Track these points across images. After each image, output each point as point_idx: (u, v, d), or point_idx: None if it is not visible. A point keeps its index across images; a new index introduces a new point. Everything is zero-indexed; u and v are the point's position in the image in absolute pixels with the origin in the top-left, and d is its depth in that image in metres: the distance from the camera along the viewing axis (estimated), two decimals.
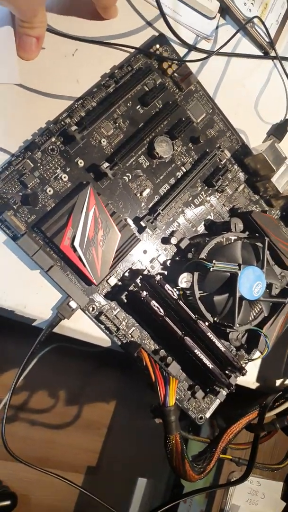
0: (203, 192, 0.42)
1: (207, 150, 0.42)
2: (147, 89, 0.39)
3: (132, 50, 0.39)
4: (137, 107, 0.39)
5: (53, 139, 0.35)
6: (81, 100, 0.36)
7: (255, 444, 0.41)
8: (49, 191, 0.34)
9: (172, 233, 0.40)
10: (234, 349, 0.42)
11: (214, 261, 0.35)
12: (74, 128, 0.34)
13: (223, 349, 0.36)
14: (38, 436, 0.86)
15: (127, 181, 0.38)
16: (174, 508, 0.87)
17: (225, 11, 0.45)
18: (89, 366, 0.91)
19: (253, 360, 0.42)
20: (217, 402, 0.41)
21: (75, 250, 0.34)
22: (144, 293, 0.35)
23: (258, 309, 0.39)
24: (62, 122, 0.35)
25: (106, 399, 0.95)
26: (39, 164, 0.34)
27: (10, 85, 0.34)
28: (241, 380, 0.44)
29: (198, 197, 0.41)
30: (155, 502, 0.95)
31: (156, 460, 0.97)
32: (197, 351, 0.35)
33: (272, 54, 0.47)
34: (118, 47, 0.38)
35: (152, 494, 0.96)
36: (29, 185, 0.34)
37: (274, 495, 0.77)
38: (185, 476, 0.34)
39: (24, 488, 0.84)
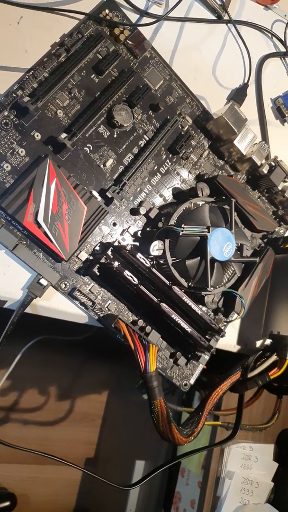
0: (168, 160, 0.41)
1: (168, 117, 0.41)
2: (101, 57, 0.38)
3: (81, 17, 0.37)
4: (92, 76, 0.38)
5: (5, 113, 0.33)
6: (32, 71, 0.35)
7: (240, 403, 0.42)
8: (7, 167, 0.33)
9: (140, 204, 0.39)
10: (212, 313, 0.42)
11: (183, 226, 0.35)
12: (26, 99, 0.33)
13: (199, 312, 0.37)
14: (32, 435, 0.85)
15: (88, 152, 0.37)
16: (173, 482, 0.89)
17: None
18: (77, 358, 0.90)
19: (231, 321, 0.42)
20: (200, 367, 0.41)
21: (39, 226, 0.33)
22: (116, 263, 0.34)
23: (231, 271, 0.40)
24: (14, 94, 0.34)
25: (97, 390, 0.94)
26: None
27: None
28: (223, 344, 0.44)
29: (164, 166, 0.41)
30: (155, 481, 0.96)
31: (152, 440, 0.98)
32: (175, 316, 0.35)
33: (226, 17, 0.47)
34: (65, 13, 0.37)
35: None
36: None
37: (267, 458, 0.80)
38: (173, 440, 0.35)
39: (22, 488, 0.83)
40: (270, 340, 0.44)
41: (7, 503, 0.79)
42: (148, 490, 0.97)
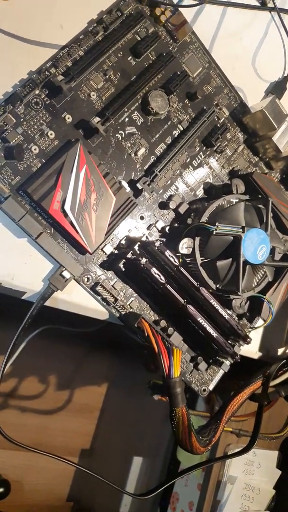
0: (201, 153, 0.39)
1: (204, 107, 0.39)
2: (139, 38, 0.36)
3: None
4: (129, 58, 0.35)
5: (37, 91, 0.31)
6: (67, 48, 0.32)
7: (259, 414, 0.40)
8: (35, 149, 0.31)
9: (170, 198, 0.37)
10: (236, 318, 0.40)
11: (217, 224, 0.33)
12: (60, 78, 0.31)
13: (227, 317, 0.35)
14: (30, 422, 0.84)
15: (120, 139, 0.35)
16: (171, 484, 0.87)
17: None
18: (79, 350, 0.88)
19: (256, 328, 0.40)
20: (221, 373, 0.39)
21: (66, 215, 0.31)
22: (144, 260, 0.32)
23: (261, 275, 0.37)
24: (47, 72, 0.31)
25: (97, 382, 0.93)
26: (22, 120, 0.31)
27: None
28: (244, 350, 0.42)
29: (197, 158, 0.39)
30: (152, 479, 0.95)
31: (151, 438, 0.96)
32: (200, 319, 0.33)
33: (270, 5, 0.44)
34: None
35: (149, 472, 0.96)
36: (11, 143, 0.30)
37: (270, 464, 0.78)
38: (191, 449, 0.33)
39: (16, 475, 0.82)
40: None
41: (1, 490, 0.78)
42: (145, 487, 0.96)
